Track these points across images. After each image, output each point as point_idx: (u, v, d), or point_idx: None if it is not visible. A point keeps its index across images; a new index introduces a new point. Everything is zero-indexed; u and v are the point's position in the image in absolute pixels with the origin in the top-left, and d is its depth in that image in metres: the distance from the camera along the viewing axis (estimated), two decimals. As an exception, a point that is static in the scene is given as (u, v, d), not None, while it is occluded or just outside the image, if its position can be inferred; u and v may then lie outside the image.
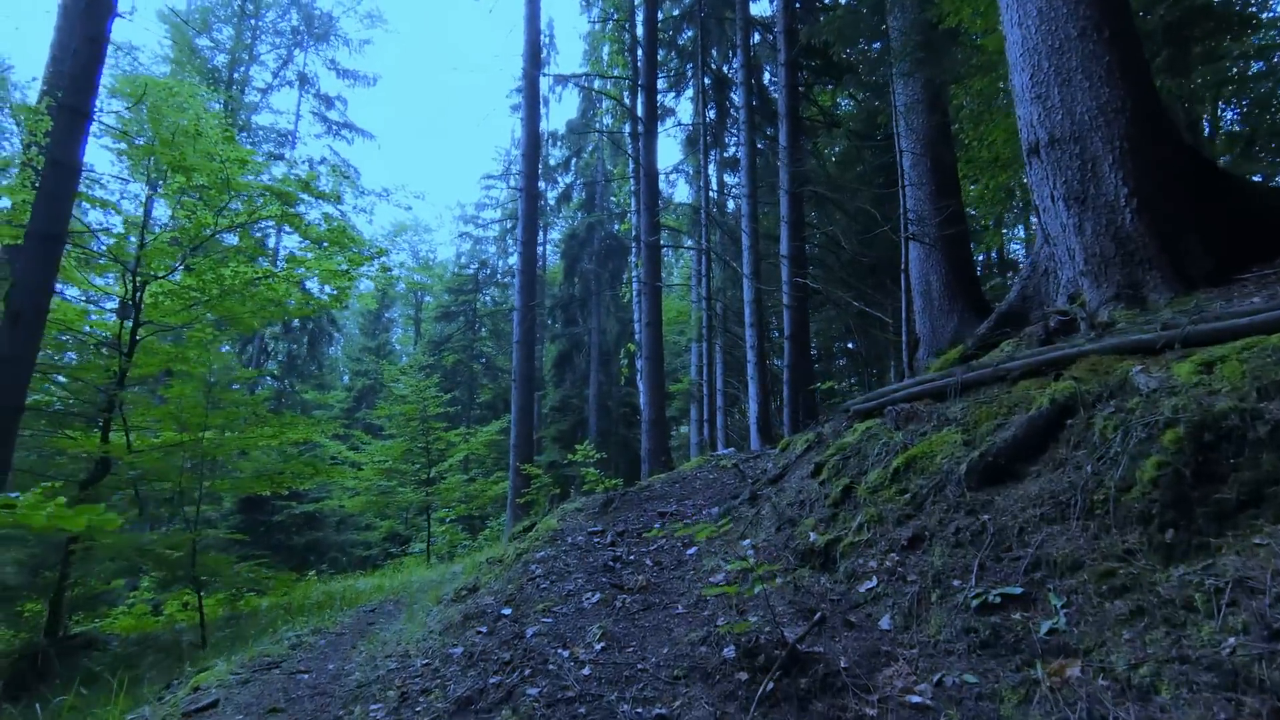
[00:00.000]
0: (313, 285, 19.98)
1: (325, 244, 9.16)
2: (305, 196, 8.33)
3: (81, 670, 6.33)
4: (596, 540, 3.80)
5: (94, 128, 8.16)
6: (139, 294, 8.04)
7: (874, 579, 2.43)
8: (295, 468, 8.59)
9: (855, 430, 3.48)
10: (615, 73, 14.86)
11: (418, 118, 79.61)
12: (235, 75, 23.05)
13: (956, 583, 2.20)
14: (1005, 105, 7.03)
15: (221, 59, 23.32)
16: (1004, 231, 18.54)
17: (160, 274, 8.20)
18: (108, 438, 7.74)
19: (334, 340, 43.40)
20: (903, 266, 6.04)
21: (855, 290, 12.54)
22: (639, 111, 9.37)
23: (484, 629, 2.86)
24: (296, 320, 21.08)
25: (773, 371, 16.42)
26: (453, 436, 14.09)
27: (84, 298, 8.52)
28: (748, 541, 3.13)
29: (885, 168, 16.52)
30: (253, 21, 23.72)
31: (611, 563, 3.41)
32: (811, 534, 2.84)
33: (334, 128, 22.09)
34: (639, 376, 10.89)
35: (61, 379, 7.87)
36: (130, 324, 8.03)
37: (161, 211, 10.89)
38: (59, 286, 8.12)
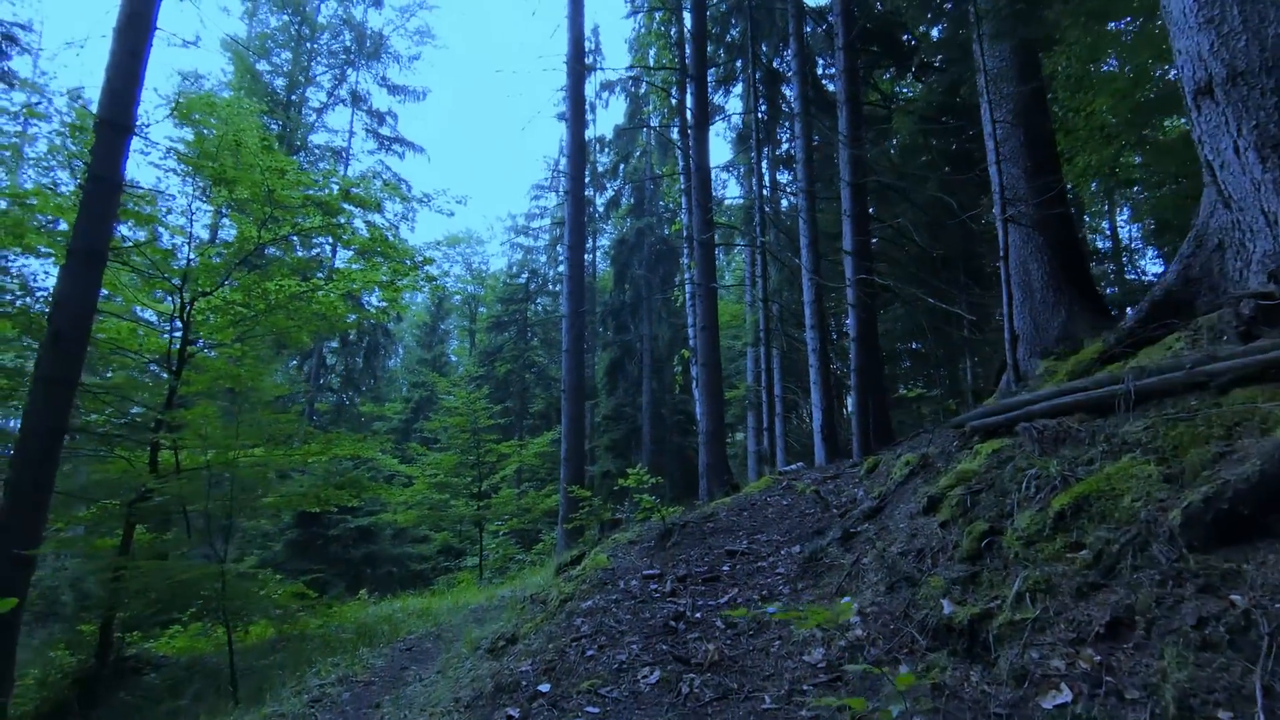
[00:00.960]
0: (371, 298, 20.31)
1: (369, 254, 8.92)
2: (347, 206, 8.08)
3: (123, 698, 6.12)
4: (654, 588, 3.19)
5: (140, 144, 8.11)
6: (188, 310, 7.95)
7: (1064, 689, 1.67)
8: (331, 494, 8.29)
9: (978, 454, 2.76)
10: (664, 65, 14.31)
11: (467, 130, 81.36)
12: (293, 97, 23.71)
13: (1224, 716, 1.46)
14: (1113, 67, 6.09)
15: (280, 82, 24.05)
16: (1086, 217, 17.01)
17: (208, 290, 8.10)
18: (157, 460, 7.63)
19: (394, 353, 44.47)
20: (1001, 253, 5.22)
21: (928, 286, 11.56)
22: (689, 104, 8.77)
23: (515, 712, 2.30)
24: (353, 334, 21.37)
25: (835, 376, 15.48)
26: (504, 448, 13.77)
27: (132, 314, 8.49)
28: (849, 600, 2.46)
29: (954, 156, 15.38)
30: (309, 45, 24.39)
31: (673, 621, 2.79)
32: (944, 602, 2.14)
33: (385, 143, 22.40)
34: (694, 384, 10.25)
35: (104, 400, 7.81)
36: (178, 341, 7.94)
37: (206, 227, 10.96)
38: (112, 301, 8.10)
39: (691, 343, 10.65)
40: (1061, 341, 5.60)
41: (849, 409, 11.58)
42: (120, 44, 6.76)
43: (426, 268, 9.19)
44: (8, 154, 11.47)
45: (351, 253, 9.04)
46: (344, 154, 22.11)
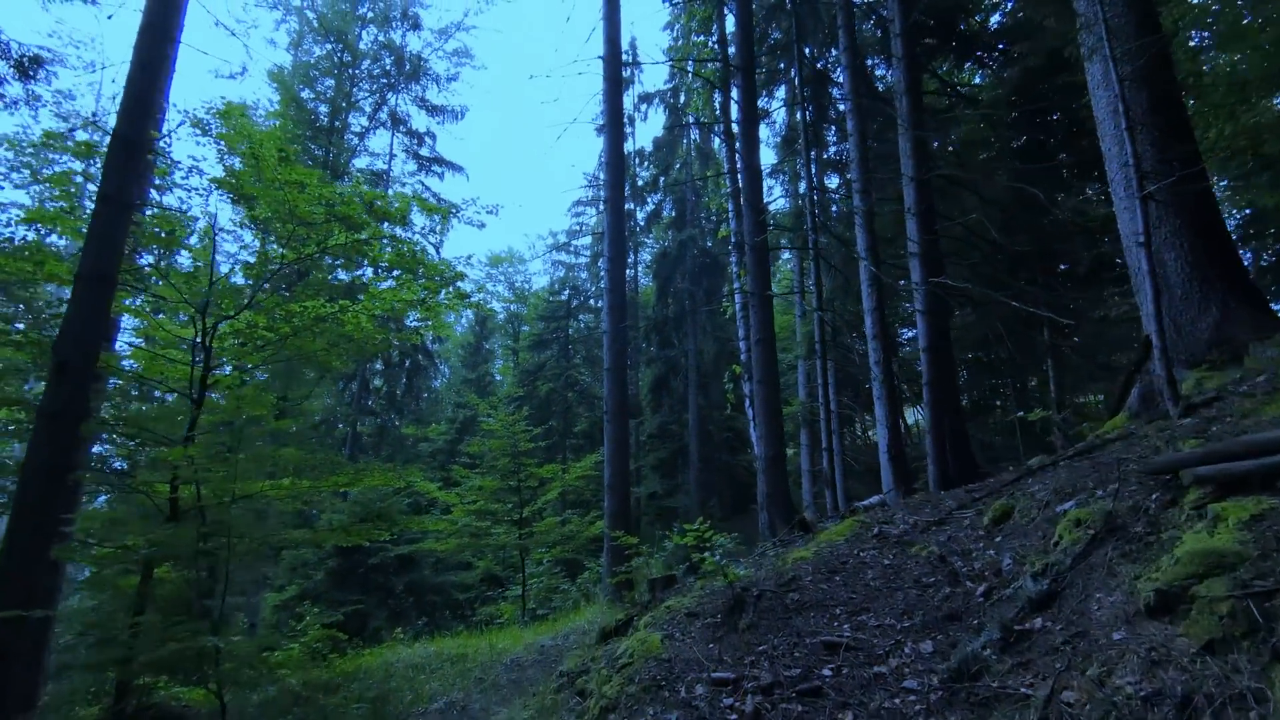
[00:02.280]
0: (410, 319, 20.21)
1: (400, 272, 8.41)
2: (374, 221, 7.58)
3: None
4: (727, 703, 2.33)
5: (169, 165, 7.79)
6: (210, 336, 7.55)
7: None
8: (359, 530, 7.72)
9: (1221, 521, 1.84)
10: (708, 58, 13.61)
11: (507, 150, 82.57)
12: (336, 123, 24.01)
13: None
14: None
15: (324, 109, 24.43)
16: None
17: (230, 314, 7.69)
18: (176, 499, 7.18)
19: (438, 374, 44.81)
20: (1141, 239, 4.21)
21: (1004, 288, 10.43)
22: (735, 98, 8.01)
23: None
24: (395, 356, 21.22)
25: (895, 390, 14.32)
26: (545, 472, 13.10)
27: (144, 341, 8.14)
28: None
29: (1021, 150, 14.17)
30: (351, 71, 24.74)
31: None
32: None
33: (425, 164, 22.38)
34: (747, 402, 9.36)
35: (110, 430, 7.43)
36: (200, 368, 7.53)
37: (235, 251, 10.72)
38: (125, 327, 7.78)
39: (743, 357, 9.78)
40: (1215, 347, 4.54)
41: (903, 425, 10.44)
42: (135, 56, 6.42)
43: (459, 284, 8.62)
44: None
45: (381, 271, 8.55)
46: (385, 176, 22.18)
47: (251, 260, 7.49)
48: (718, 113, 11.56)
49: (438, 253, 22.31)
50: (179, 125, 7.73)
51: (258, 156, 6.75)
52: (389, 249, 7.81)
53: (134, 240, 7.08)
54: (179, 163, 7.39)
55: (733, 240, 10.52)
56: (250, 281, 7.68)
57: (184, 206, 8.07)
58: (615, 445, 9.30)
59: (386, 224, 7.56)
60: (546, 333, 27.01)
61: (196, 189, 7.45)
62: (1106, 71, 5.08)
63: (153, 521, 7.46)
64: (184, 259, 7.92)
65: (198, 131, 7.38)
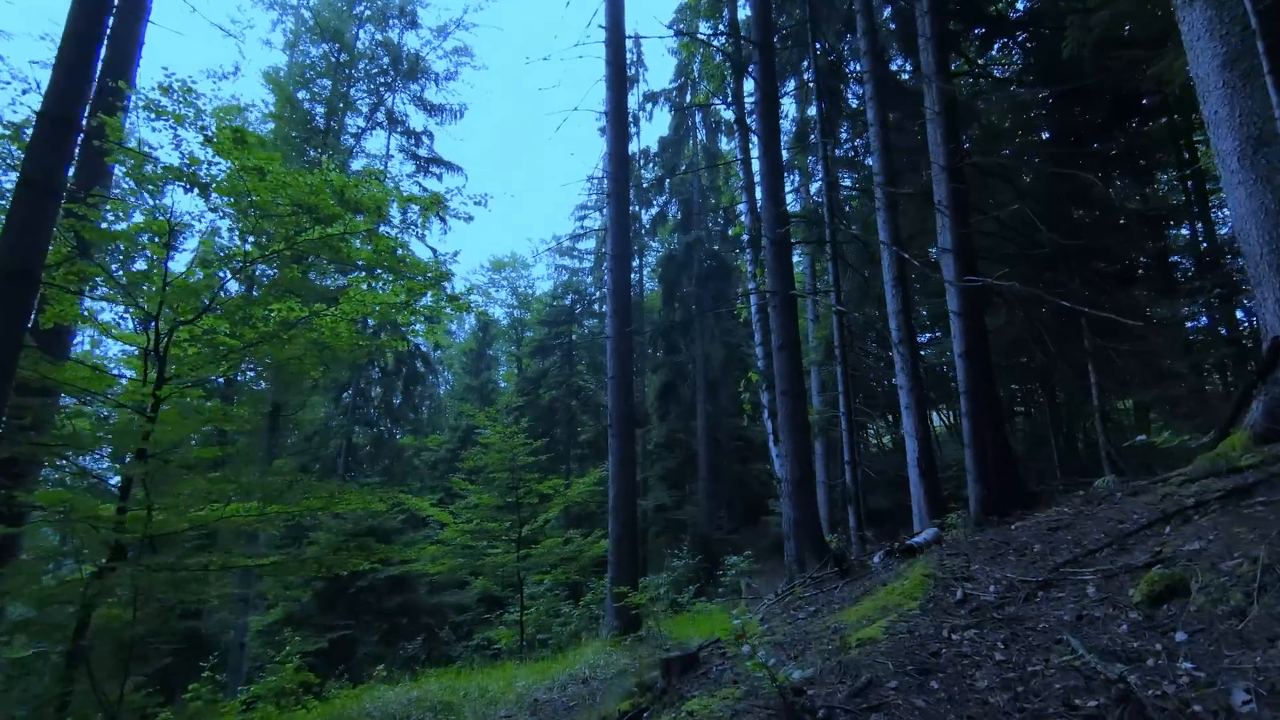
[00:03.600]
0: (414, 324, 19.37)
1: (381, 271, 7.56)
2: (346, 212, 6.74)
3: None
4: None
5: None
6: (163, 343, 6.71)
7: None
8: (333, 560, 6.85)
9: None
10: (721, 40, 12.77)
11: (509, 155, 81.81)
12: (332, 124, 23.32)
13: None
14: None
15: (320, 110, 23.75)
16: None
17: (186, 318, 6.85)
18: (123, 524, 6.32)
19: (440, 381, 43.99)
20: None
21: (1053, 287, 9.51)
22: (753, 74, 7.15)
23: None
24: (390, 364, 20.41)
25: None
26: (546, 487, 12.21)
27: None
28: None
29: (1058, 138, 13.24)
30: (348, 72, 24.07)
31: None
32: None
33: (423, 165, 21.64)
34: (766, 415, 8.45)
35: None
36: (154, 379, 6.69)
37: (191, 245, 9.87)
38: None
39: (760, 364, 8.87)
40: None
41: (966, 441, 9.53)
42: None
43: (447, 285, 7.77)
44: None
45: (361, 273, 7.71)
46: (381, 178, 21.43)
47: (211, 257, 6.65)
48: (729, 92, 10.69)
49: (435, 253, 21.53)
50: (131, 108, 6.92)
51: (210, 138, 5.92)
52: (366, 245, 6.96)
53: (74, 235, 6.27)
54: (124, 143, 6.56)
55: (746, 237, 9.65)
56: (218, 279, 6.83)
57: (139, 200, 7.24)
58: (621, 463, 8.40)
59: (362, 216, 6.72)
60: (549, 338, 26.14)
61: (149, 179, 6.61)
62: (1215, 16, 4.18)
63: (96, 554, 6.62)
64: (174, 262, 7.08)
65: (152, 115, 6.58)
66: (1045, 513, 5.20)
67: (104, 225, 6.46)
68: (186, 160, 6.26)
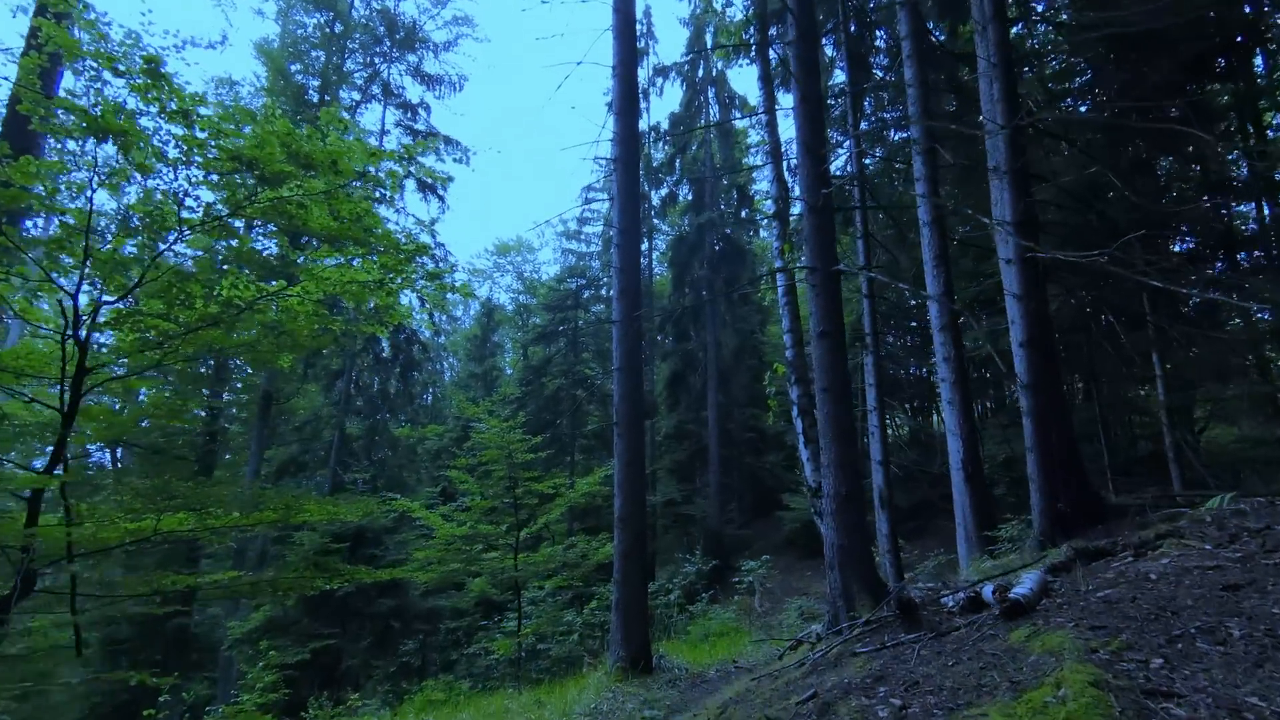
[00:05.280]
0: (410, 300, 18.04)
1: (345, 242, 6.45)
2: (298, 170, 5.60)
3: None
4: None
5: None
6: (83, 326, 5.63)
7: None
8: (291, 580, 5.81)
9: None
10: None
11: (515, 135, 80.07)
12: (326, 98, 22.15)
13: None
14: None
15: (314, 83, 22.58)
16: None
17: (112, 297, 5.78)
18: (32, 571, 5.28)
19: (447, 368, 43.03)
20: None
21: (1147, 264, 8.25)
22: (789, 4, 5.95)
23: None
24: (387, 350, 19.36)
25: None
26: (546, 486, 11.14)
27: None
28: None
29: (1125, 92, 11.86)
30: (343, 43, 22.88)
31: None
32: None
33: (420, 139, 20.44)
34: (794, 411, 7.31)
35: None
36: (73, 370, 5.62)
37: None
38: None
39: (788, 354, 7.71)
40: None
41: (1030, 444, 8.51)
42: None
43: (424, 259, 6.65)
44: None
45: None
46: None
47: (137, 223, 5.55)
48: (754, 56, 9.49)
49: (434, 237, 20.40)
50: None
51: (115, 71, 4.79)
52: (322, 210, 5.83)
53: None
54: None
55: (771, 207, 8.46)
56: (137, 248, 5.74)
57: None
58: (628, 466, 7.30)
59: (315, 175, 5.58)
60: (552, 324, 25.00)
61: (62, 131, 5.49)
62: None
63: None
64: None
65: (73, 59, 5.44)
66: (1167, 549, 4.04)
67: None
68: (96, 106, 5.14)
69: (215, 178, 5.44)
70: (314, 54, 23.18)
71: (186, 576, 5.85)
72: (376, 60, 21.74)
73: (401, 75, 21.56)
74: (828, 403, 5.44)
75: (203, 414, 17.04)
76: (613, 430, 7.88)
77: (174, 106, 4.89)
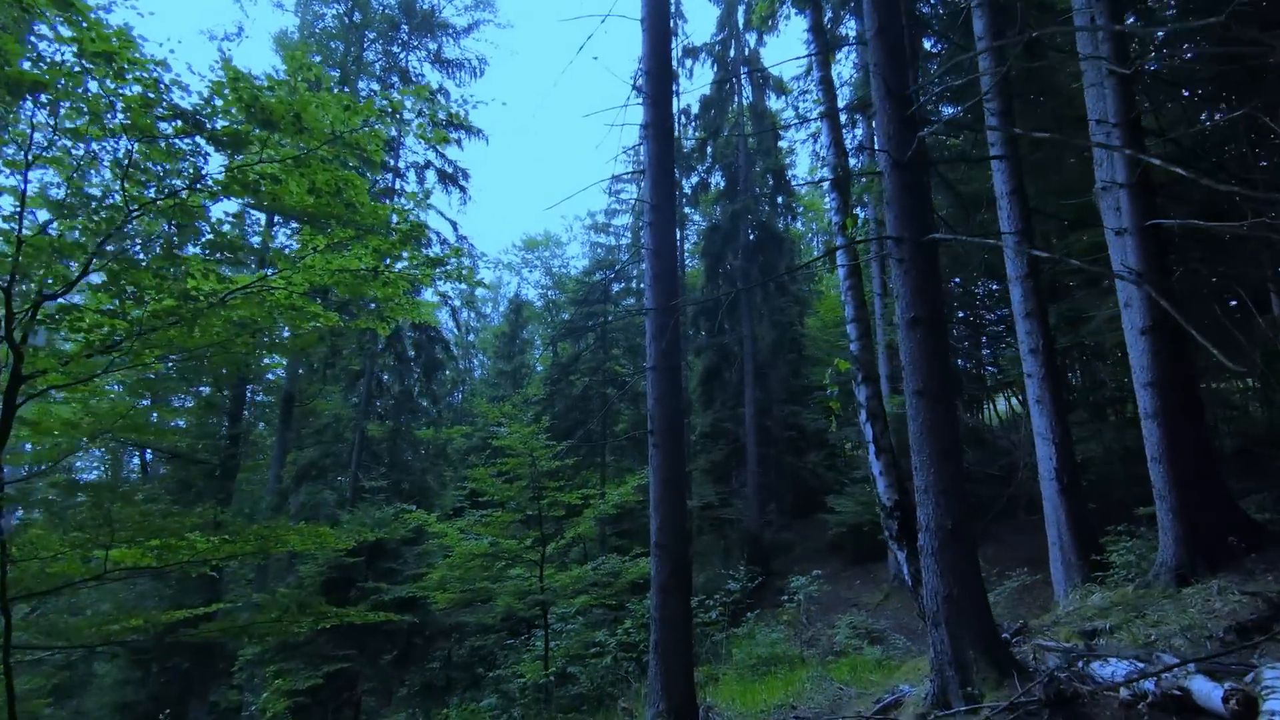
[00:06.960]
0: (427, 296, 17.10)
1: (326, 222, 5.47)
2: (260, 131, 4.61)
3: None
4: None
5: None
6: (24, 321, 4.75)
7: None
8: (277, 625, 4.86)
9: None
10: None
11: (542, 128, 79.09)
12: (345, 90, 21.50)
13: None
14: None
15: (335, 75, 21.98)
16: None
17: (58, 291, 4.89)
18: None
19: (476, 365, 42.46)
20: None
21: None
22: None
23: None
24: (411, 350, 18.60)
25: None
26: (574, 498, 10.12)
27: None
28: None
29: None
30: (363, 32, 22.23)
31: None
32: None
33: (439, 127, 19.59)
34: (862, 415, 6.12)
35: None
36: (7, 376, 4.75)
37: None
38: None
39: (853, 347, 6.51)
40: None
41: (1156, 454, 7.20)
42: None
43: (418, 238, 5.63)
44: None
45: (299, 226, 5.64)
46: (396, 143, 19.51)
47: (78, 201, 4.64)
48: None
49: (456, 232, 19.56)
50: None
51: (28, 10, 3.84)
52: (299, 184, 4.83)
53: None
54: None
55: (828, 174, 7.24)
56: (82, 235, 4.83)
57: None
58: (665, 483, 6.18)
59: (282, 137, 4.59)
60: (579, 318, 23.95)
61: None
62: None
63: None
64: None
65: None
66: None
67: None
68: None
69: (162, 144, 4.47)
70: (332, 44, 22.60)
71: (137, 618, 4.95)
72: (394, 49, 21.00)
73: (420, 63, 20.76)
74: (923, 409, 4.24)
75: (216, 420, 16.49)
76: (646, 439, 6.79)
77: (102, 50, 3.91)
